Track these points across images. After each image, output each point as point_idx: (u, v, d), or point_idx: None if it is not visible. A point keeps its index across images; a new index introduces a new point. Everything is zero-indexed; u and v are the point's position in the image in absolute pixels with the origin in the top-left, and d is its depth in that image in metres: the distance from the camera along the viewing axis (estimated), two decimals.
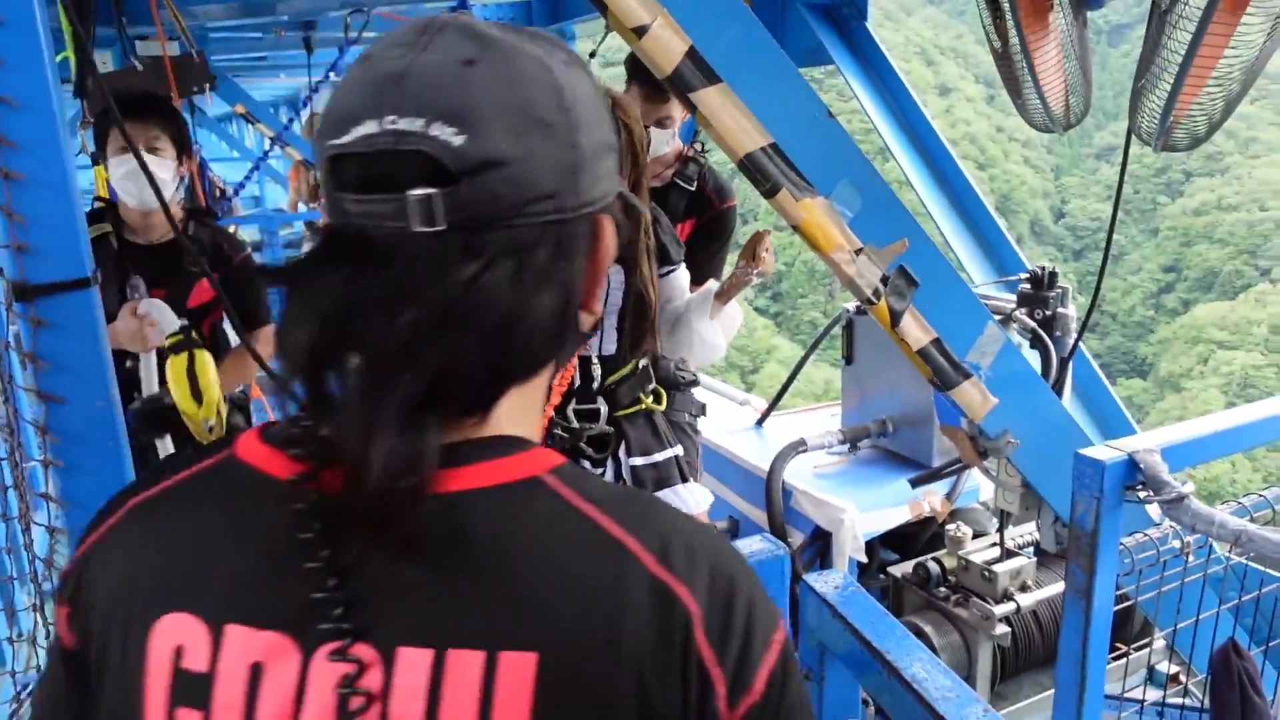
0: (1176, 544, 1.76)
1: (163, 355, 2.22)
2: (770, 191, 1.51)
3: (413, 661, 0.60)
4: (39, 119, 1.08)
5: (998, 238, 3.87)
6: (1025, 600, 2.76)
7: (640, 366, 2.46)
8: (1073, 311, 3.36)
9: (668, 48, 1.40)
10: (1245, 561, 2.01)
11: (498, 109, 0.61)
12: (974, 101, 50.42)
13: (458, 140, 0.60)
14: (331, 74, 5.50)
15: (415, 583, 0.62)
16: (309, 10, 5.06)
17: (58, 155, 1.00)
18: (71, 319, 1.04)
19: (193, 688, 0.62)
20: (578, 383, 2.36)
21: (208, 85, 4.15)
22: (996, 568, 2.75)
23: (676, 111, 2.81)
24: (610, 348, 2.37)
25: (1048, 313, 3.22)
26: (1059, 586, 2.93)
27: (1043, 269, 3.34)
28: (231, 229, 4.73)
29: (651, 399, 2.50)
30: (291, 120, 5.60)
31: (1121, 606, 2.17)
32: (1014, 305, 3.37)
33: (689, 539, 0.66)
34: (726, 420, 3.87)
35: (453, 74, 0.61)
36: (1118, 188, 2.45)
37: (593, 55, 6.58)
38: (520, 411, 0.70)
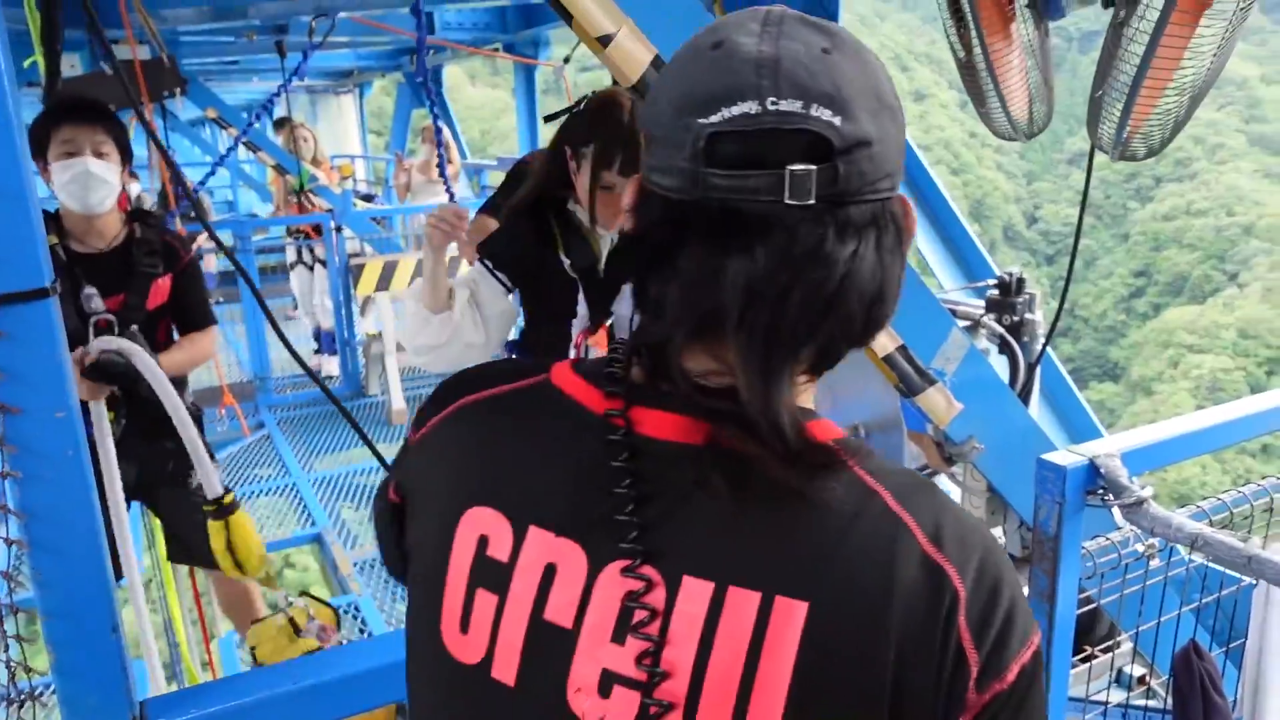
0: (1140, 547, 1.78)
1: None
2: None
3: (695, 591, 0.66)
4: None
5: (967, 244, 3.91)
6: None
7: None
8: (1040, 317, 3.40)
9: (633, 56, 1.41)
10: (1207, 564, 2.05)
11: (861, 93, 0.66)
12: (948, 107, 50.85)
13: (837, 121, 0.64)
14: (295, 79, 5.46)
15: (706, 520, 0.68)
16: (280, 14, 5.04)
17: (14, 161, 0.99)
18: (31, 330, 1.03)
19: (493, 573, 0.72)
20: None
21: (178, 89, 4.12)
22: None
23: None
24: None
25: (1015, 318, 3.26)
26: (1025, 590, 2.96)
27: (1010, 275, 3.38)
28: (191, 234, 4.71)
29: None
30: (258, 117, 5.55)
31: (1087, 609, 2.20)
32: (982, 311, 3.42)
33: (962, 528, 0.70)
34: None
35: (819, 60, 0.65)
36: (1083, 195, 2.49)
37: (566, 60, 6.61)
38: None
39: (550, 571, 0.70)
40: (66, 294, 2.35)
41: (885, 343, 1.72)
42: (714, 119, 0.65)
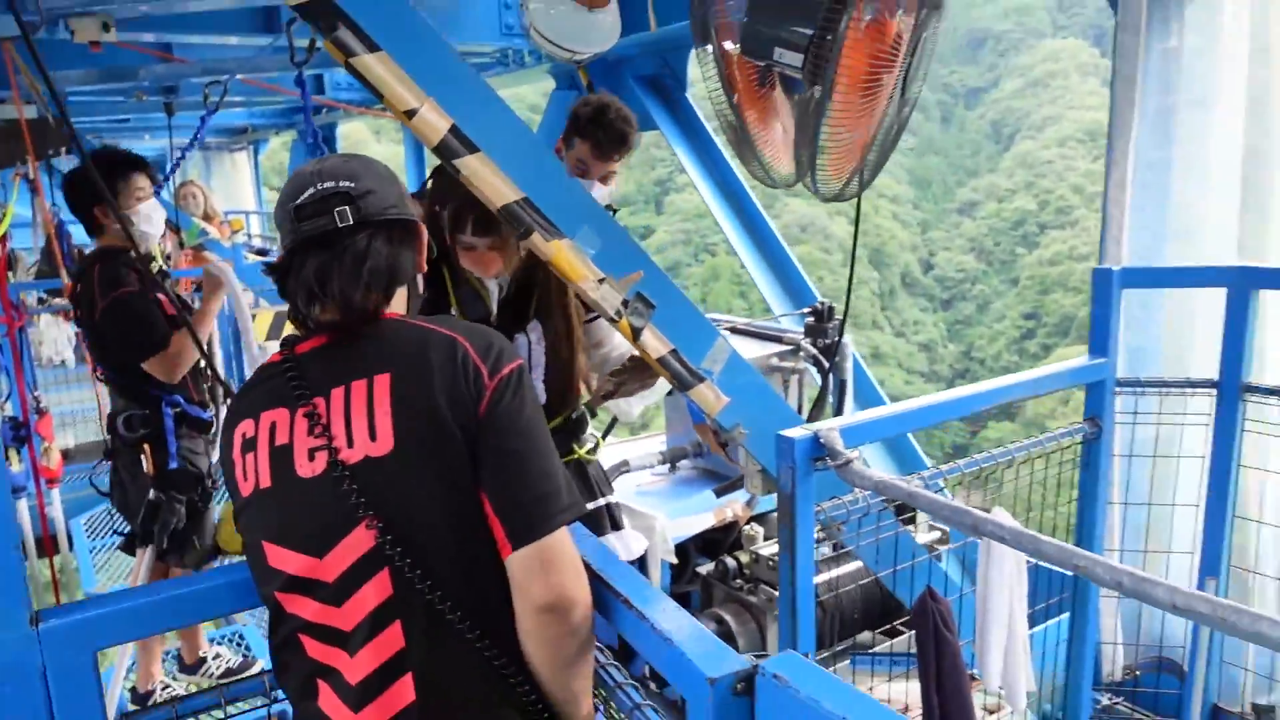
0: (855, 494, 2.23)
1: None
2: (525, 234, 1.93)
3: (335, 393, 1.36)
4: None
5: (795, 275, 4.43)
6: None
7: (573, 418, 2.56)
8: (850, 340, 3.91)
9: (434, 126, 1.81)
10: (949, 519, 2.52)
11: (364, 173, 1.45)
12: None
13: (351, 185, 1.42)
14: (197, 139, 5.69)
15: (334, 369, 1.38)
16: (169, 77, 5.30)
17: None
18: None
19: (247, 444, 1.39)
20: None
21: (64, 148, 4.34)
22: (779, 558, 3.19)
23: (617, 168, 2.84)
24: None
25: (827, 341, 3.76)
26: (839, 570, 3.41)
27: (823, 304, 3.89)
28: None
29: (586, 449, 2.62)
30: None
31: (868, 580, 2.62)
32: (801, 335, 3.91)
33: (475, 330, 1.43)
34: None
35: (342, 164, 1.46)
36: (854, 239, 2.96)
37: None
38: (397, 302, 1.48)
39: (274, 426, 1.38)
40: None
41: (658, 347, 2.14)
42: (299, 200, 1.41)
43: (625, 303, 2.06)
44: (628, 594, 1.31)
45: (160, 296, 3.28)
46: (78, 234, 6.71)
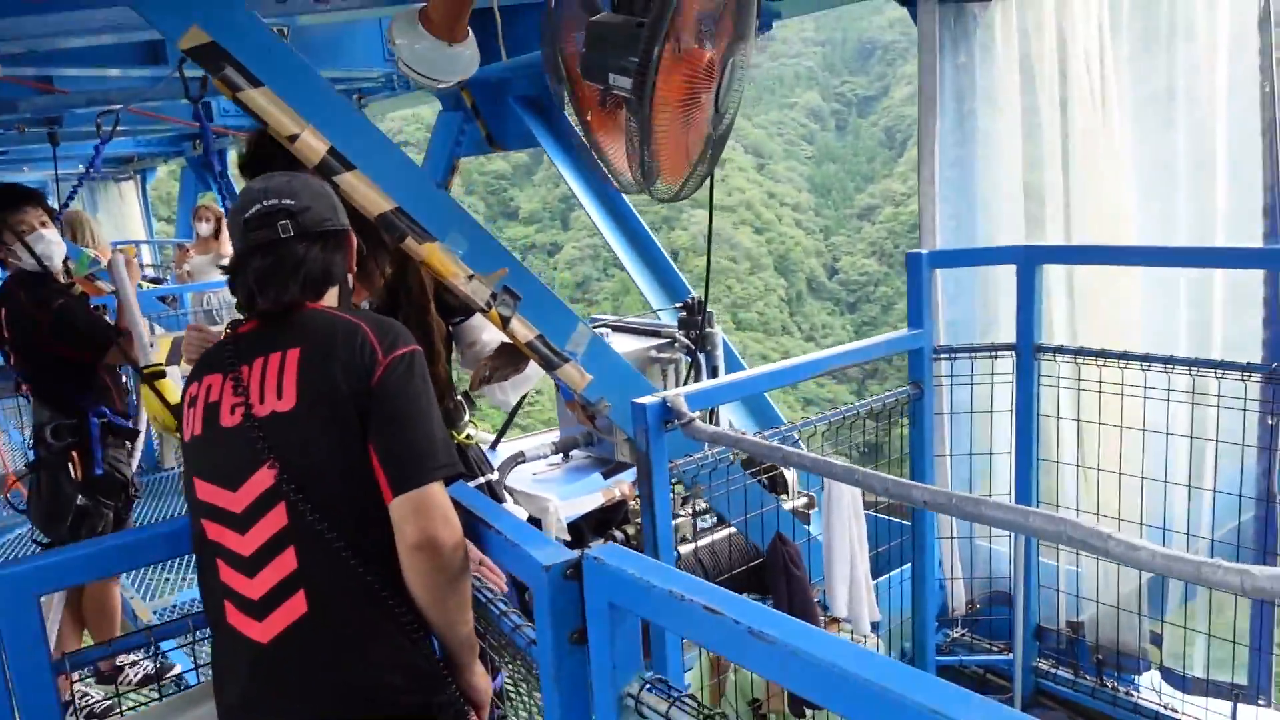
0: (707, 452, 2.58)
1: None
2: (400, 239, 2.22)
3: (257, 363, 1.68)
4: None
5: (672, 274, 4.81)
6: (685, 549, 3.56)
7: (450, 409, 2.69)
8: (719, 330, 4.30)
9: (314, 148, 2.09)
10: (782, 461, 2.88)
11: (303, 191, 1.77)
12: (746, 170, 53.23)
13: (291, 203, 1.73)
14: (92, 169, 5.74)
15: (261, 343, 1.69)
16: (52, 108, 5.36)
17: None
18: None
19: (191, 401, 1.73)
20: None
21: None
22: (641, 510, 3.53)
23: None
24: None
25: (697, 332, 4.14)
26: (713, 537, 3.77)
27: (693, 299, 4.27)
28: None
29: (463, 435, 2.78)
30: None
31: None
32: (675, 328, 4.28)
33: (380, 320, 1.74)
34: None
35: (285, 184, 1.78)
36: (708, 233, 3.32)
37: None
38: (330, 299, 1.79)
39: (209, 387, 1.72)
40: None
41: (525, 333, 2.45)
42: (246, 214, 1.73)
43: (494, 295, 2.37)
44: (487, 518, 1.62)
45: None
46: None
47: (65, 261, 4.21)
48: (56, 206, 7.01)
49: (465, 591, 1.69)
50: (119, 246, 8.97)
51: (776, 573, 2.79)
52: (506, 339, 2.71)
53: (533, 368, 2.78)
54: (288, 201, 1.72)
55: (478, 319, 2.74)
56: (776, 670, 1.17)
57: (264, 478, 1.60)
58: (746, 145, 53.98)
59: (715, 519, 3.96)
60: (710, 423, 4.20)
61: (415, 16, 2.43)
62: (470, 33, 2.54)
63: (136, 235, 11.07)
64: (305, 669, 1.60)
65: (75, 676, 3.77)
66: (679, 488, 3.16)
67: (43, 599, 1.62)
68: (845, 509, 2.88)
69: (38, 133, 6.16)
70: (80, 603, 3.80)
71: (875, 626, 3.33)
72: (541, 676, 1.53)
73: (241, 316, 1.78)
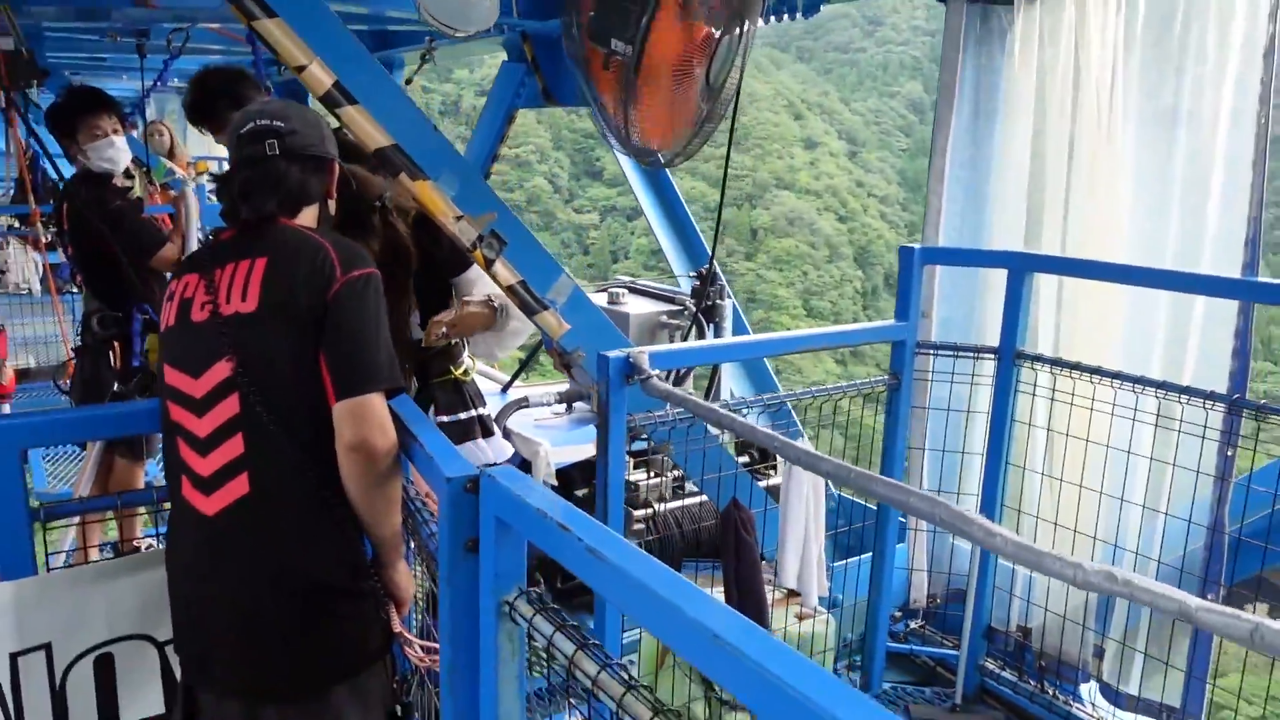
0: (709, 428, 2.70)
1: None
2: (394, 173, 2.39)
3: (228, 267, 1.87)
4: None
5: (696, 239, 4.91)
6: (661, 508, 3.71)
7: (452, 345, 2.91)
8: (729, 303, 4.40)
9: (320, 80, 2.26)
10: (740, 433, 3.00)
11: (294, 116, 1.94)
12: (837, 156, 52.16)
13: (280, 124, 1.90)
14: (159, 82, 6.05)
15: (239, 248, 1.88)
16: (140, 20, 5.65)
17: None
18: None
19: (169, 296, 1.94)
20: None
21: (37, 80, 4.71)
22: (639, 482, 3.69)
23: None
24: (418, 334, 2.83)
25: (708, 302, 4.24)
26: (690, 500, 3.91)
27: (706, 270, 4.37)
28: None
29: (460, 370, 2.98)
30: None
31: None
32: (688, 295, 4.40)
33: (346, 244, 1.92)
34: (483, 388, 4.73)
35: (279, 108, 1.96)
36: (719, 207, 3.43)
37: (408, 82, 7.41)
38: (307, 218, 1.96)
39: (186, 285, 1.90)
40: None
41: (508, 277, 2.60)
42: (244, 129, 1.91)
43: (480, 237, 2.52)
44: (413, 430, 1.78)
45: None
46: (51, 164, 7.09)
47: (131, 166, 4.52)
48: (147, 116, 7.40)
49: (394, 493, 1.87)
50: (198, 160, 9.40)
51: (728, 535, 2.91)
52: (492, 296, 2.83)
53: (523, 323, 2.91)
54: (278, 124, 1.89)
55: (473, 272, 2.85)
56: (605, 585, 1.31)
57: (222, 369, 1.79)
58: (841, 130, 52.96)
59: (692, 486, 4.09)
60: (712, 389, 4.33)
61: None
62: None
63: (220, 150, 11.48)
64: (244, 544, 1.79)
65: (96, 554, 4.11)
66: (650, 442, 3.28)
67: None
68: (803, 484, 2.99)
69: (130, 43, 6.50)
70: (107, 485, 4.11)
71: (830, 603, 3.44)
72: (440, 579, 1.69)
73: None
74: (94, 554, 4.07)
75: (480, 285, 2.83)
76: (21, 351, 7.50)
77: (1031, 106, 3.12)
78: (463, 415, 3.01)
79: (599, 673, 1.28)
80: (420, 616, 2.04)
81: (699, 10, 2.37)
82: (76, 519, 3.96)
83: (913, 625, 3.76)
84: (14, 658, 1.87)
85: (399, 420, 1.86)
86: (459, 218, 2.46)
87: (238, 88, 3.17)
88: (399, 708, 1.95)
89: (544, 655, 1.42)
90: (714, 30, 2.42)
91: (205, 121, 3.27)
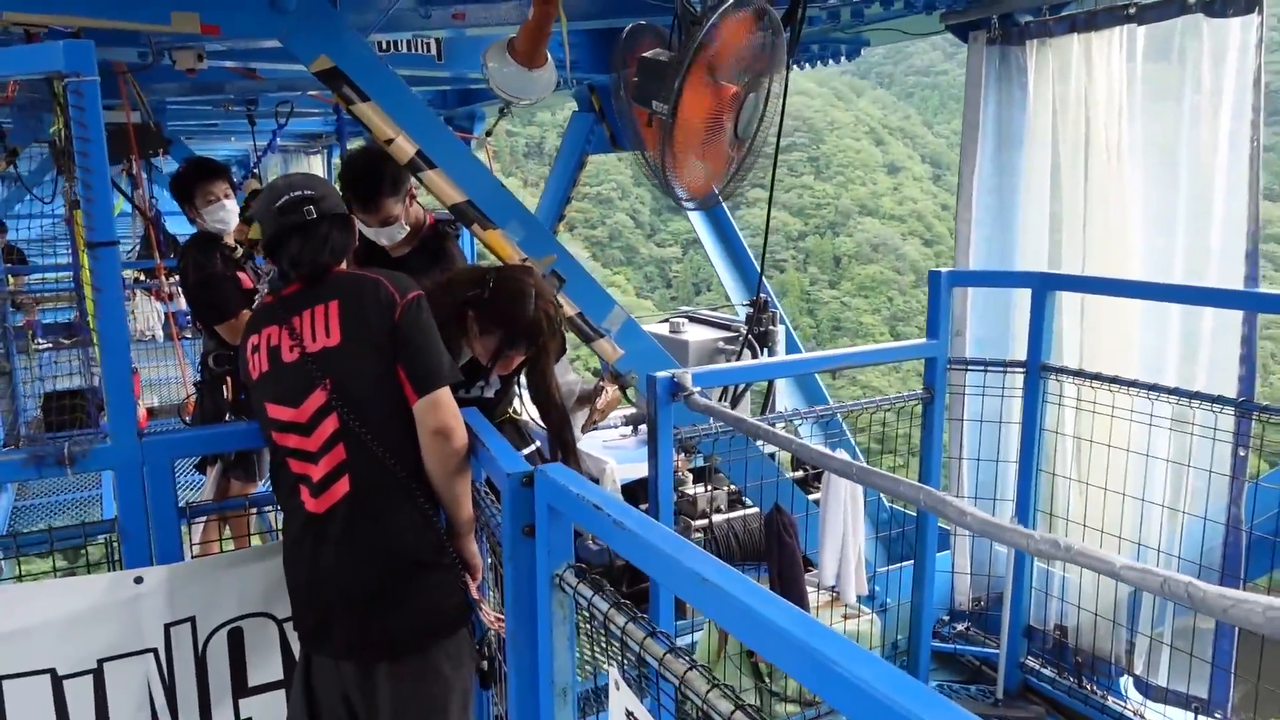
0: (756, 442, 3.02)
1: None
2: (468, 224, 2.80)
3: (305, 314, 2.25)
4: None
5: (752, 270, 5.23)
6: (718, 518, 4.02)
7: (510, 390, 3.18)
8: (782, 329, 4.71)
9: (405, 150, 2.69)
10: (781, 445, 3.30)
11: (318, 183, 2.36)
12: (921, 180, 51.36)
13: (311, 193, 2.28)
14: (270, 149, 6.71)
15: (308, 298, 2.28)
16: (250, 91, 6.35)
17: None
18: None
19: (254, 347, 2.29)
20: None
21: (162, 149, 5.36)
22: (696, 494, 4.01)
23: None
24: (490, 393, 3.07)
25: (761, 329, 4.56)
26: (744, 512, 4.20)
27: (760, 298, 4.69)
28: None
29: (512, 409, 3.25)
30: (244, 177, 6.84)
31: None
32: (743, 323, 4.72)
33: (395, 275, 2.33)
34: None
35: (303, 179, 2.37)
36: (764, 242, 3.76)
37: (488, 134, 7.97)
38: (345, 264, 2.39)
39: (269, 335, 2.27)
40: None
41: (568, 309, 2.98)
42: (277, 203, 2.26)
43: (543, 277, 2.91)
44: (479, 436, 2.15)
45: (240, 275, 4.31)
46: (172, 223, 7.87)
47: (248, 223, 5.09)
48: (253, 173, 8.14)
49: (468, 477, 2.25)
50: None
51: (771, 539, 3.20)
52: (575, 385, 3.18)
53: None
54: (309, 192, 2.26)
55: (561, 364, 3.10)
56: (632, 551, 1.64)
57: (318, 397, 2.18)
58: (924, 153, 52.42)
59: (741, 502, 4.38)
60: (767, 404, 4.62)
61: (505, 46, 3.01)
62: (549, 58, 3.10)
63: None
64: (346, 531, 2.19)
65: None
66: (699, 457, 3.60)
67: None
68: (840, 490, 3.26)
69: (239, 110, 7.24)
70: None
71: (879, 605, 3.69)
72: (504, 557, 2.05)
73: (280, 284, 2.36)
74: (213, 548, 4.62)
75: (561, 370, 3.07)
76: (147, 392, 8.25)
77: (1050, 138, 3.37)
78: (524, 452, 3.39)
79: (626, 623, 1.60)
80: (492, 591, 2.40)
81: (724, 73, 2.73)
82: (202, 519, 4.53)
83: (959, 627, 3.96)
84: (167, 628, 2.30)
85: (470, 428, 2.24)
86: (525, 260, 2.86)
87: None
88: (485, 663, 2.32)
89: (587, 617, 1.75)
90: (740, 89, 2.76)
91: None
